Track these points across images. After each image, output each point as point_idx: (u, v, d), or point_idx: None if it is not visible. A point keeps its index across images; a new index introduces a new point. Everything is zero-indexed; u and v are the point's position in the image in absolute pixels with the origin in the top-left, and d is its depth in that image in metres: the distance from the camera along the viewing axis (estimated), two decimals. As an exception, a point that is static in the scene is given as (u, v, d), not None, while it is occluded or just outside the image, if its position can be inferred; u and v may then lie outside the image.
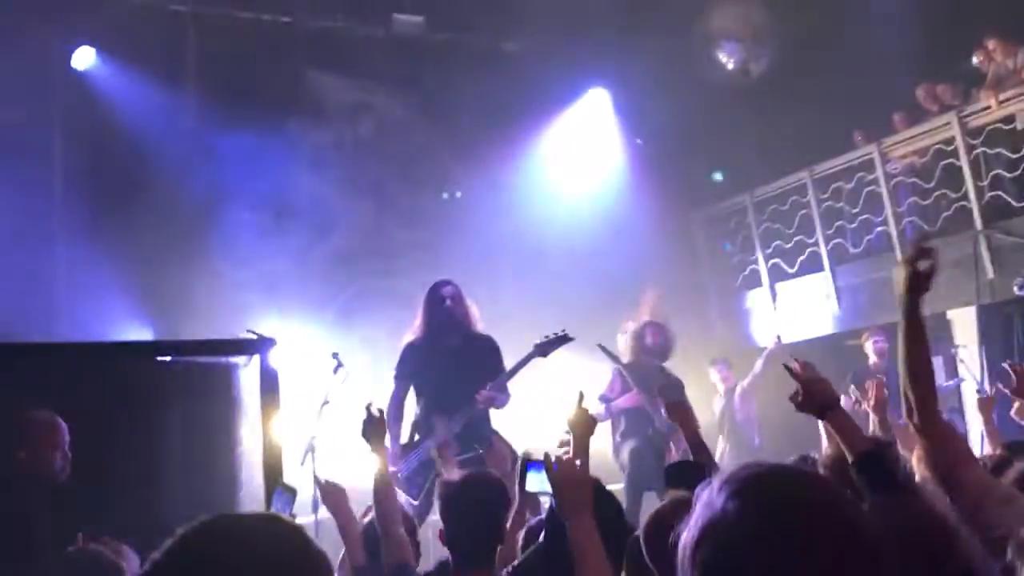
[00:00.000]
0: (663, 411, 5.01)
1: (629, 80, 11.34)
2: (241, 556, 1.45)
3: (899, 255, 9.94)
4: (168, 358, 5.46)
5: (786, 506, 1.38)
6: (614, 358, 7.96)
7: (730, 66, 11.81)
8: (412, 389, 6.70)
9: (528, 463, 2.97)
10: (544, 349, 6.45)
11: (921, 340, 2.77)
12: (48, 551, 3.64)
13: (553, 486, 2.67)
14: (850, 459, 2.85)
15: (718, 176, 12.33)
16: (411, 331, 6.79)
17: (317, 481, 4.67)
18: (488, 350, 6.54)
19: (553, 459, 2.75)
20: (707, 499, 1.43)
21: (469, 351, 6.47)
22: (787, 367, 3.29)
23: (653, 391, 7.74)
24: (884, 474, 2.76)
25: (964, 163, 9.42)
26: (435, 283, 6.74)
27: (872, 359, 8.57)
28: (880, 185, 10.30)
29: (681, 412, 4.52)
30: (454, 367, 6.43)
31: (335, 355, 7.51)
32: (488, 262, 10.54)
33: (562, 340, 6.48)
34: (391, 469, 6.43)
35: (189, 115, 9.94)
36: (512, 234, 10.67)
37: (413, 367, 6.66)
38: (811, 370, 3.91)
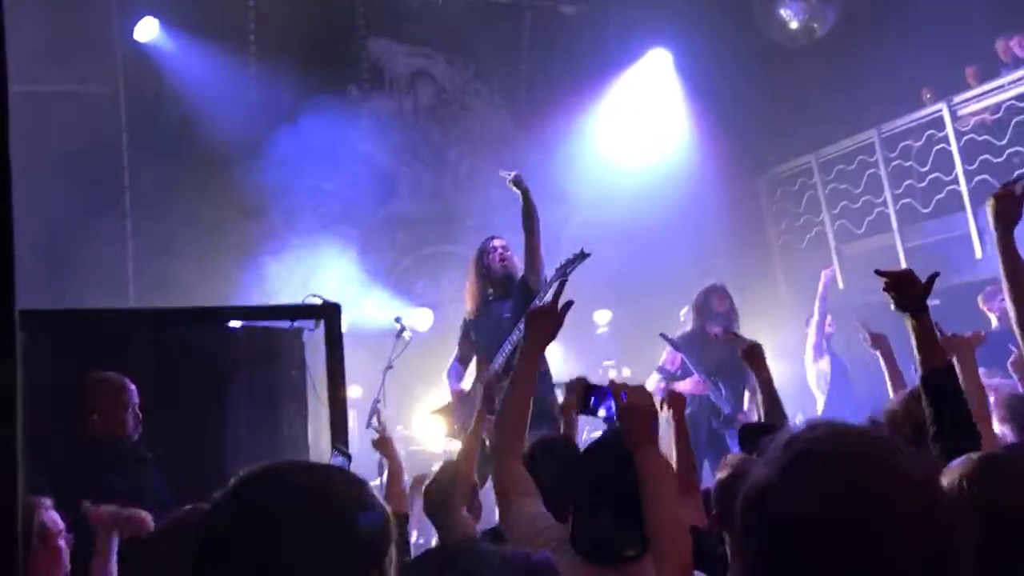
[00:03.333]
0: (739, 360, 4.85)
1: (690, 40, 11.15)
2: (297, 498, 1.46)
3: (970, 215, 9.71)
4: (237, 323, 5.53)
5: (846, 472, 1.31)
6: (676, 346, 7.52)
7: (794, 25, 11.57)
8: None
9: (591, 389, 2.81)
10: (564, 271, 6.37)
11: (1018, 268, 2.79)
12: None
13: (621, 414, 2.51)
14: (919, 371, 2.85)
15: None
16: (467, 296, 6.91)
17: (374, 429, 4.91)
18: (524, 295, 6.52)
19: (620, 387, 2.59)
20: (768, 458, 1.38)
21: (516, 303, 6.51)
22: (878, 271, 3.02)
23: (717, 372, 7.38)
24: (949, 393, 2.78)
25: (1039, 118, 9.17)
26: (484, 240, 6.95)
27: (994, 324, 7.53)
28: (950, 143, 10.05)
29: (755, 355, 4.35)
30: (505, 323, 6.51)
31: (398, 319, 7.60)
32: (549, 227, 10.49)
33: (580, 258, 6.45)
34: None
35: (251, 84, 10.00)
36: (573, 199, 10.59)
37: (472, 336, 6.80)
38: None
